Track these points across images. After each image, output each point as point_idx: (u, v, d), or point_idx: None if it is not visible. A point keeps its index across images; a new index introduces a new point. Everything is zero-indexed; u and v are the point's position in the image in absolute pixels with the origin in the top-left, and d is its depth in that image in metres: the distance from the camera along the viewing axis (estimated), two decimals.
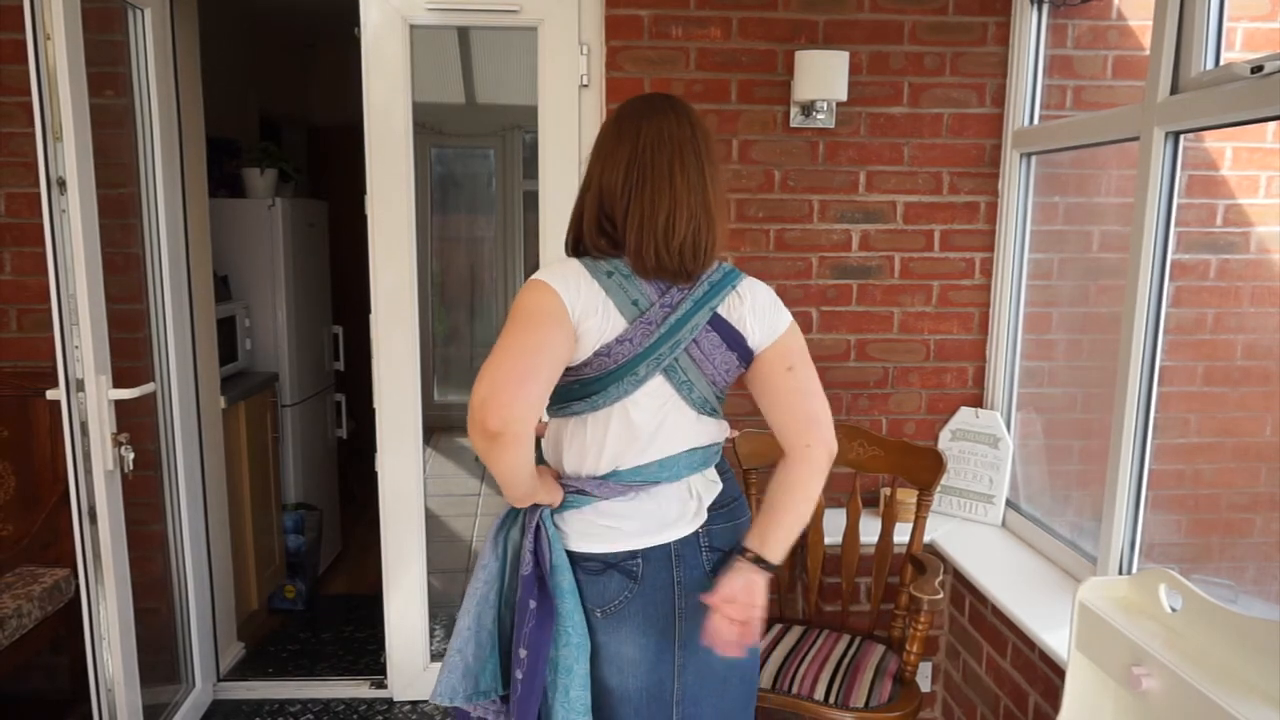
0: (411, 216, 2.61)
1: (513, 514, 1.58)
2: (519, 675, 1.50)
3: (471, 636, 1.58)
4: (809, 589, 2.46)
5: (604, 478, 1.50)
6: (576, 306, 1.41)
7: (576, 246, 1.54)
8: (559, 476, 1.54)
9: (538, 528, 1.51)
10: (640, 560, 1.51)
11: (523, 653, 1.49)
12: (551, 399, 1.48)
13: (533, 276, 1.44)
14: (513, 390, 1.32)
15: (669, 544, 1.52)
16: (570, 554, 1.52)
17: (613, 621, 1.51)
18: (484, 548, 1.60)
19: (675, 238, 1.44)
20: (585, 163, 1.56)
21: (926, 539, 2.47)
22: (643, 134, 1.46)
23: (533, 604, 1.49)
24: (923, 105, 2.59)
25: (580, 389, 1.47)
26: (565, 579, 1.49)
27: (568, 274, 1.44)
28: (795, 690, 2.10)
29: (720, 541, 1.57)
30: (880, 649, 2.29)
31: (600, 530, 1.51)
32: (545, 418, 1.52)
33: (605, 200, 1.47)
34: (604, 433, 1.50)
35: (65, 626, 2.47)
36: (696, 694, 1.55)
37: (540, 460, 1.59)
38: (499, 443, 1.33)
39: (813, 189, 2.61)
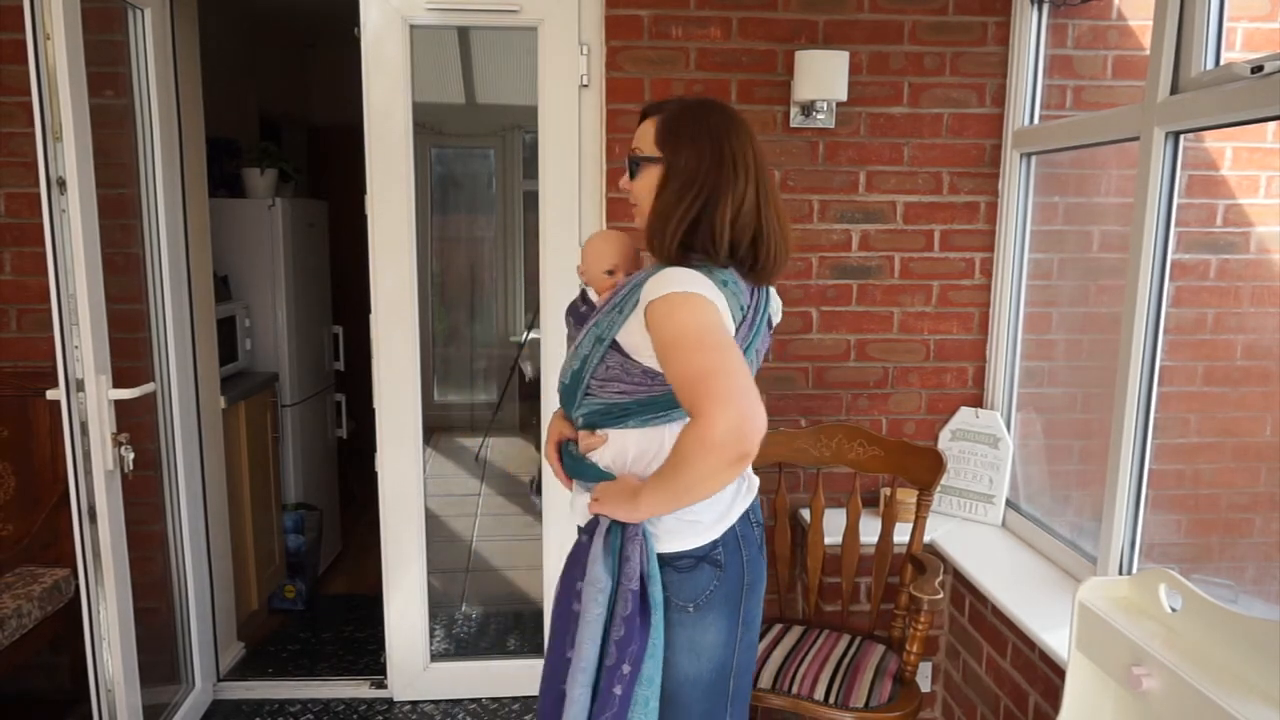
0: (411, 216, 2.61)
1: (616, 528, 1.53)
2: (618, 691, 1.47)
3: (592, 665, 1.52)
4: (809, 589, 2.46)
5: None
6: (725, 318, 1.44)
7: (678, 252, 1.50)
8: None
9: (641, 537, 1.49)
10: (721, 547, 1.55)
11: (626, 668, 1.47)
12: (649, 408, 1.50)
13: (688, 290, 1.40)
14: (757, 411, 1.32)
15: (734, 526, 1.58)
16: (660, 556, 1.52)
17: (702, 612, 1.54)
18: (592, 567, 1.52)
19: (787, 247, 1.57)
20: (647, 158, 1.52)
21: (926, 539, 2.47)
22: (752, 144, 1.53)
23: (639, 619, 1.48)
24: (923, 105, 2.59)
25: None
26: (658, 589, 1.49)
27: (706, 286, 1.43)
28: (795, 690, 2.10)
29: (759, 516, 1.66)
30: (880, 649, 2.29)
31: (686, 527, 1.53)
32: (603, 432, 1.55)
33: (745, 213, 1.49)
34: None
35: (65, 626, 2.47)
36: (745, 665, 1.64)
37: (596, 475, 1.56)
38: (743, 464, 1.33)
39: (813, 189, 2.61)
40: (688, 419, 1.49)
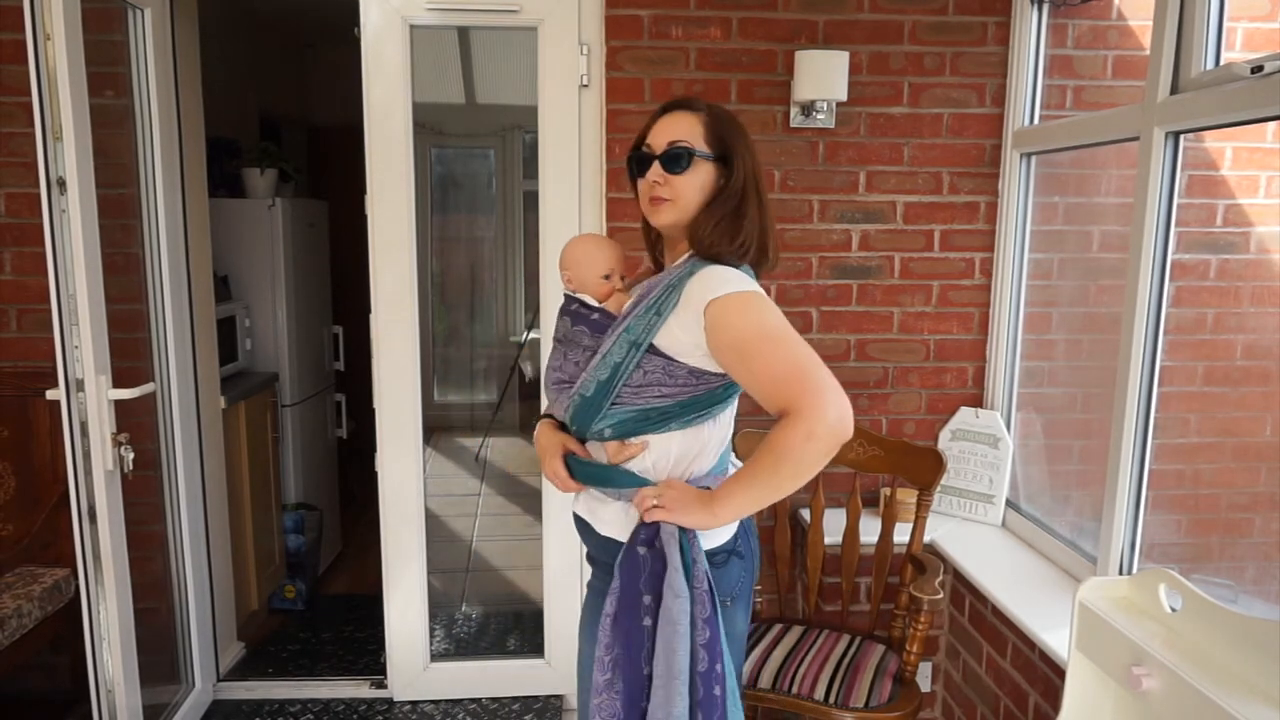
0: (411, 216, 2.61)
1: (684, 535, 1.48)
2: (718, 691, 1.45)
3: (687, 676, 1.46)
4: (809, 589, 2.46)
5: (719, 468, 1.57)
6: None
7: (724, 255, 1.53)
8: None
9: (696, 538, 1.49)
10: (740, 538, 1.58)
11: (718, 667, 1.45)
12: (691, 409, 1.49)
13: (749, 289, 1.44)
14: (844, 396, 1.36)
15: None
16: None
17: (735, 603, 1.57)
18: (675, 578, 1.45)
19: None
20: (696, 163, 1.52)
21: (926, 539, 2.46)
22: None
23: (716, 618, 1.47)
24: (923, 105, 2.59)
25: (724, 391, 1.51)
26: (712, 584, 1.50)
27: (756, 284, 1.49)
28: (795, 690, 2.10)
29: None
30: (880, 649, 2.29)
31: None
32: (642, 438, 1.51)
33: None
34: (727, 426, 1.59)
35: (65, 626, 2.47)
36: (745, 649, 1.72)
37: (631, 481, 1.52)
38: (837, 450, 1.38)
39: (813, 189, 2.61)
40: (719, 414, 1.52)
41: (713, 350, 1.43)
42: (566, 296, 1.65)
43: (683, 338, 1.44)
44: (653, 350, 1.46)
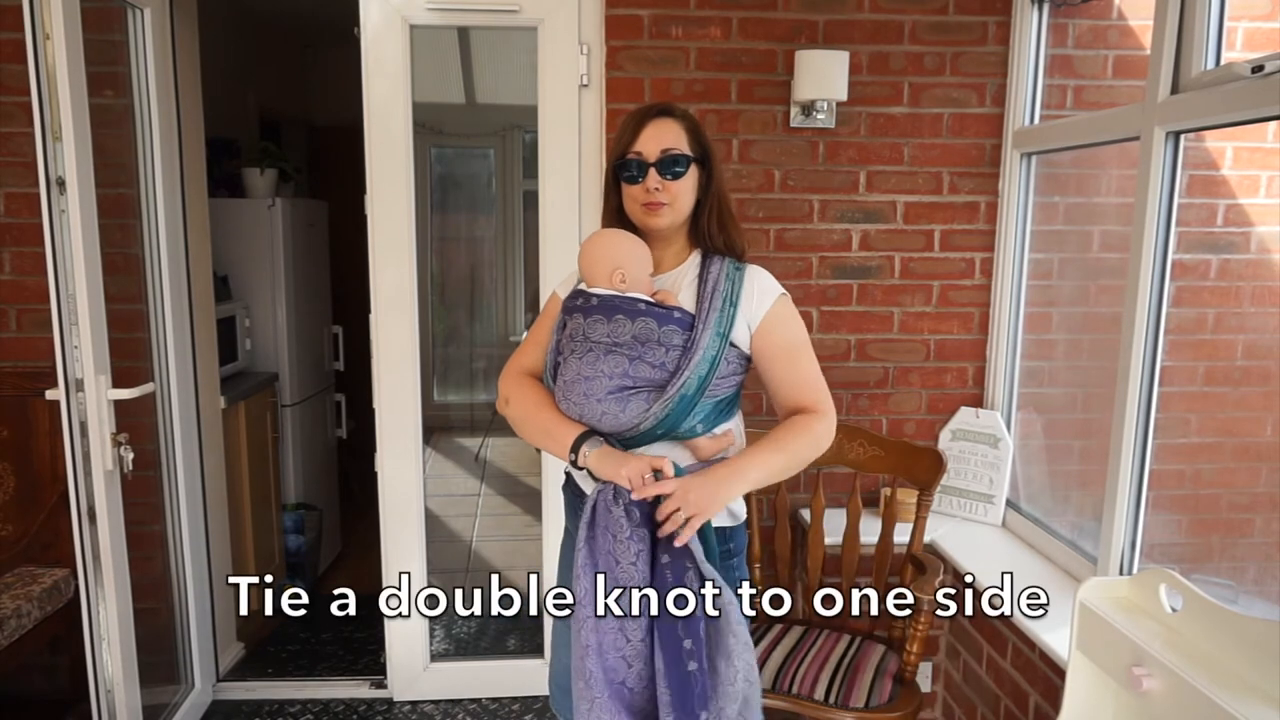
0: (411, 216, 2.61)
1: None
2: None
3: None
4: (809, 589, 2.45)
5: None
6: None
7: (743, 253, 1.67)
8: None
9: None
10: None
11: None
12: (738, 394, 1.63)
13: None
14: None
15: None
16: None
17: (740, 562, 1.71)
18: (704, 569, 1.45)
19: None
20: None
21: (927, 539, 2.46)
22: None
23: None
24: (923, 105, 2.59)
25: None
26: None
27: None
28: (795, 690, 2.10)
29: None
30: (880, 649, 2.29)
31: None
32: (723, 428, 1.59)
33: None
34: None
35: (65, 626, 2.47)
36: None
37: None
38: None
39: (813, 189, 2.61)
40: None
41: (762, 338, 1.55)
42: (625, 297, 1.55)
43: (743, 327, 1.55)
44: (730, 342, 1.56)
